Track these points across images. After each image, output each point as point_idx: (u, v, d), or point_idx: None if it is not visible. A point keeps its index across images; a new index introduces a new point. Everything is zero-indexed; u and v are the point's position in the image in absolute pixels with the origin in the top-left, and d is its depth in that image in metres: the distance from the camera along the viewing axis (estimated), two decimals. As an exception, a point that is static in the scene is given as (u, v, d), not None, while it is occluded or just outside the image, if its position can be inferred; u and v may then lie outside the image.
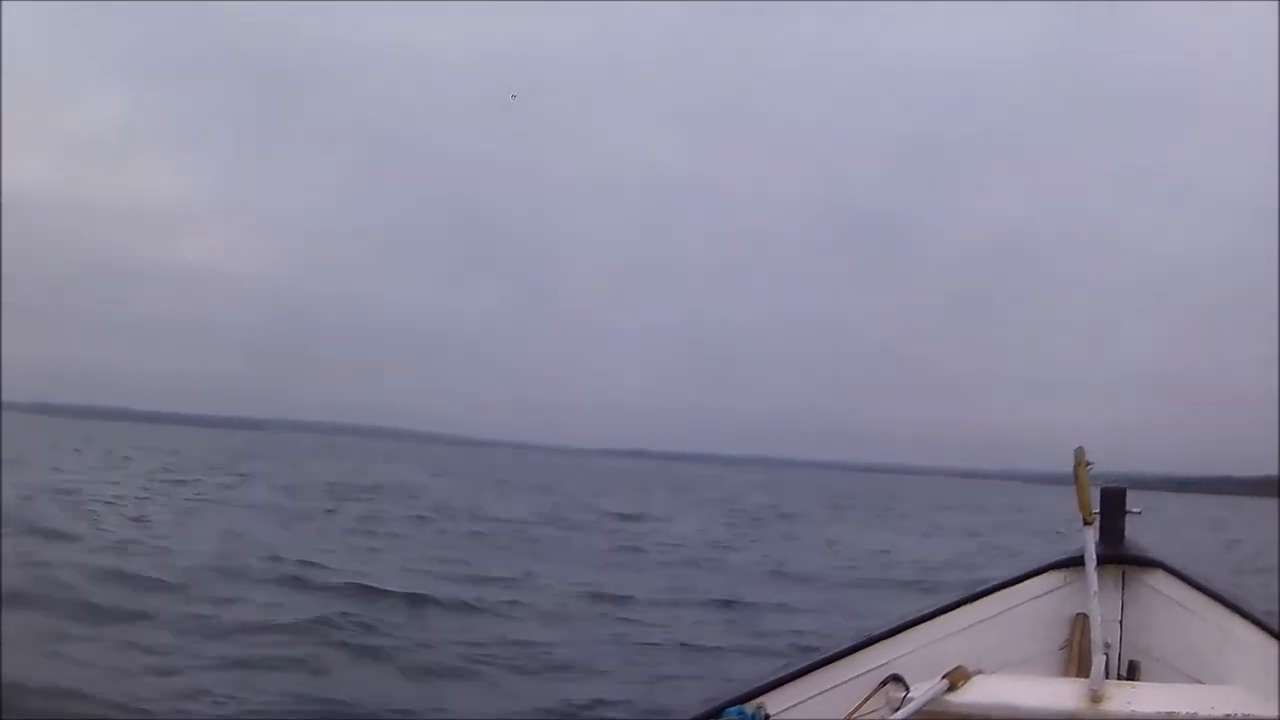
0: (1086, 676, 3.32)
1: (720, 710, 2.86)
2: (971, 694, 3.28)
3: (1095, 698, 3.20)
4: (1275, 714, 3.03)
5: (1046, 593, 3.82)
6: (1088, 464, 3.58)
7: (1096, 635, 3.49)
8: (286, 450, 68.72)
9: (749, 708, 2.87)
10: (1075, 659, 3.65)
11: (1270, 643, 3.29)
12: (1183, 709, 3.09)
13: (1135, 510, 3.91)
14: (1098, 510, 3.72)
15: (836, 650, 3.43)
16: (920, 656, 3.48)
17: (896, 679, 3.35)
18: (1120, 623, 3.76)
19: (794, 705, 3.19)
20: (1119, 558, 3.79)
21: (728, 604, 11.43)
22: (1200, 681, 3.47)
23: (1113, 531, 3.82)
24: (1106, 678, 3.31)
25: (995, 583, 3.86)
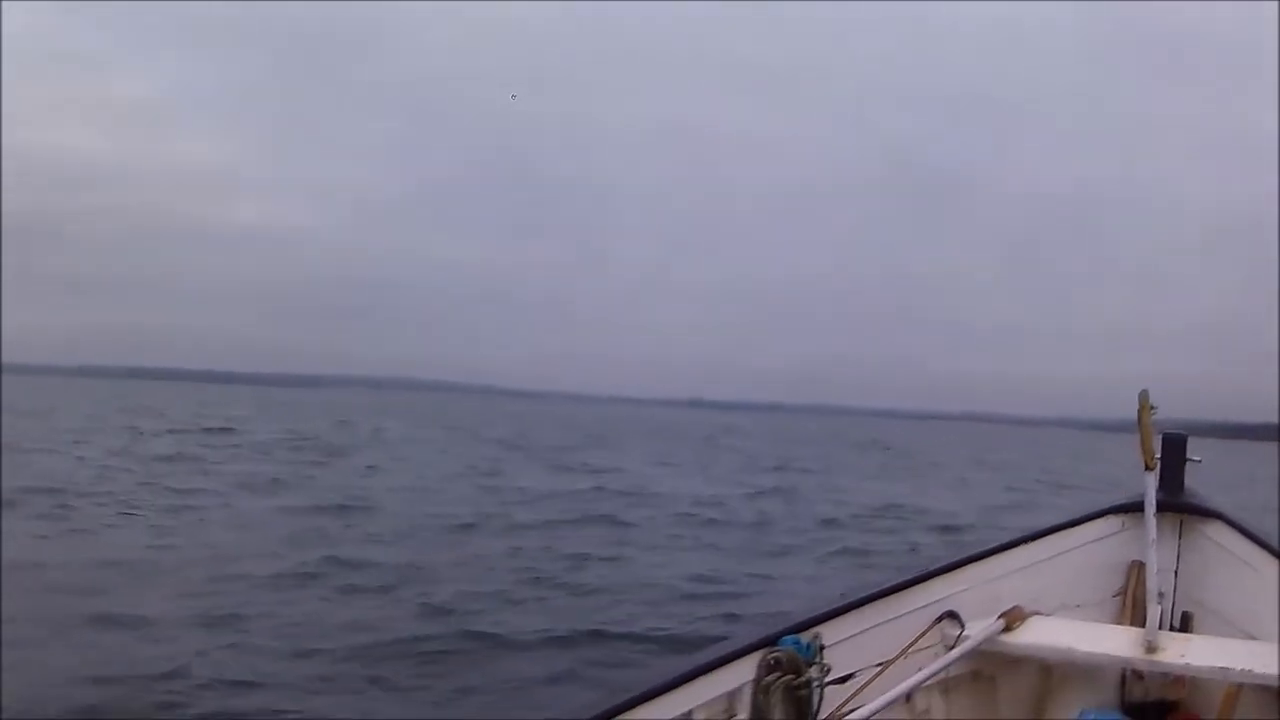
0: (1141, 625, 3.32)
1: (776, 638, 2.76)
2: (1027, 635, 3.28)
3: (1150, 648, 3.19)
4: None
5: (1104, 537, 3.77)
6: (1151, 408, 3.45)
7: (1152, 584, 3.48)
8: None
9: (804, 637, 2.74)
10: (1130, 606, 3.63)
11: None
12: (1237, 665, 3.08)
13: (1196, 459, 3.82)
14: (1159, 456, 3.60)
15: (893, 583, 3.36)
16: (976, 594, 3.44)
17: (952, 615, 3.32)
18: (1176, 572, 3.71)
19: (850, 637, 3.12)
20: (1178, 505, 3.72)
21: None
22: (1254, 637, 3.41)
23: (1173, 479, 3.73)
24: (1160, 628, 3.29)
25: (1054, 524, 3.79)
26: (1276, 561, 3.49)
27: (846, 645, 3.06)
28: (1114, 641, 3.27)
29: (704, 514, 15.86)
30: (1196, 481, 3.84)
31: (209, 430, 32.72)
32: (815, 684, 2.61)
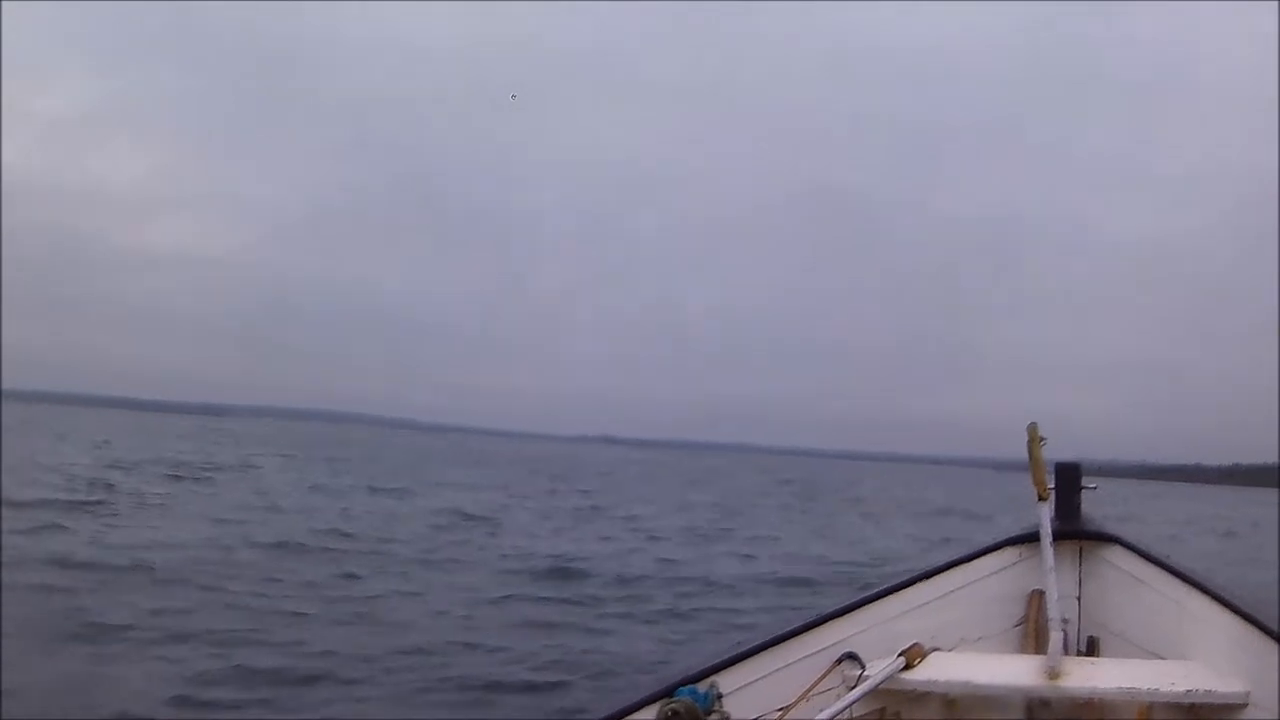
0: (1044, 653, 3.30)
1: (673, 689, 2.77)
2: (928, 671, 3.24)
3: (1053, 674, 3.19)
4: (1235, 688, 3.02)
5: (1003, 569, 3.77)
6: (1041, 439, 3.46)
7: (1054, 611, 3.44)
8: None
9: (701, 686, 2.79)
10: (1033, 635, 3.62)
11: (1228, 616, 3.25)
12: (1143, 685, 3.09)
13: (1091, 485, 3.88)
14: (1053, 486, 3.63)
15: (790, 629, 3.35)
16: (876, 634, 3.42)
17: (852, 657, 3.29)
18: (1078, 599, 3.72)
19: (747, 684, 3.11)
20: (1075, 533, 3.75)
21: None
22: (1160, 657, 3.43)
23: (1068, 507, 3.79)
24: (1065, 654, 3.31)
25: (951, 560, 3.80)
26: (1176, 580, 3.52)
27: (745, 692, 3.06)
28: (1016, 670, 3.26)
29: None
30: (1093, 507, 3.89)
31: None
32: None
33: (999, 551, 3.80)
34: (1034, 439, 3.45)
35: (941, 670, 3.25)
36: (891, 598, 3.59)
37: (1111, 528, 3.85)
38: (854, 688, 3.12)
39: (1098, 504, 3.96)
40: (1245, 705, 3.00)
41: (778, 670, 3.22)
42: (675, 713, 2.60)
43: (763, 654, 3.23)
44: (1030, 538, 3.68)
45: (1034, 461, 3.48)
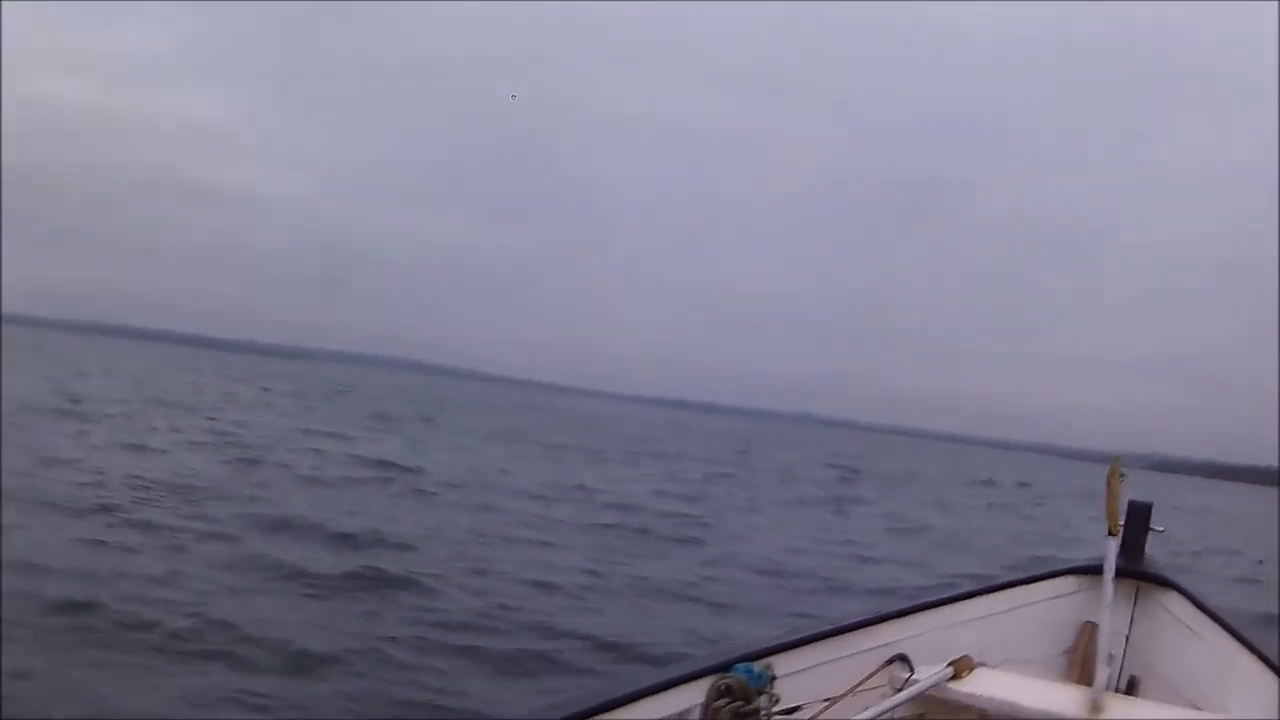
0: (1088, 684, 3.37)
1: (729, 665, 2.82)
2: (974, 685, 3.30)
3: (1095, 707, 3.23)
4: None
5: (1060, 596, 3.83)
6: (1121, 475, 3.49)
7: (1103, 646, 3.51)
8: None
9: (757, 666, 2.82)
10: (1078, 665, 3.68)
11: (1273, 679, 3.28)
12: None
13: (1159, 528, 3.88)
14: (1123, 523, 3.64)
15: (847, 622, 3.42)
16: (928, 640, 3.48)
17: (903, 659, 3.35)
18: (1127, 637, 3.76)
19: (801, 670, 3.16)
20: (1136, 573, 3.78)
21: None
22: (1197, 708, 3.45)
23: (1134, 545, 3.80)
24: (1106, 689, 3.34)
25: (1012, 579, 3.87)
26: (1228, 636, 3.55)
27: (797, 678, 3.10)
28: (1059, 699, 3.30)
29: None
30: (1158, 551, 3.92)
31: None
32: (764, 713, 2.70)
33: (1060, 578, 3.87)
34: (1114, 474, 3.48)
35: (987, 686, 3.30)
36: (948, 607, 3.64)
37: (1172, 574, 3.87)
38: (900, 690, 3.22)
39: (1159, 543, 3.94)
40: None
41: (831, 661, 3.27)
42: (728, 687, 2.64)
43: (819, 644, 3.29)
44: (1092, 569, 3.74)
45: (1110, 497, 3.51)
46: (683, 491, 20.01)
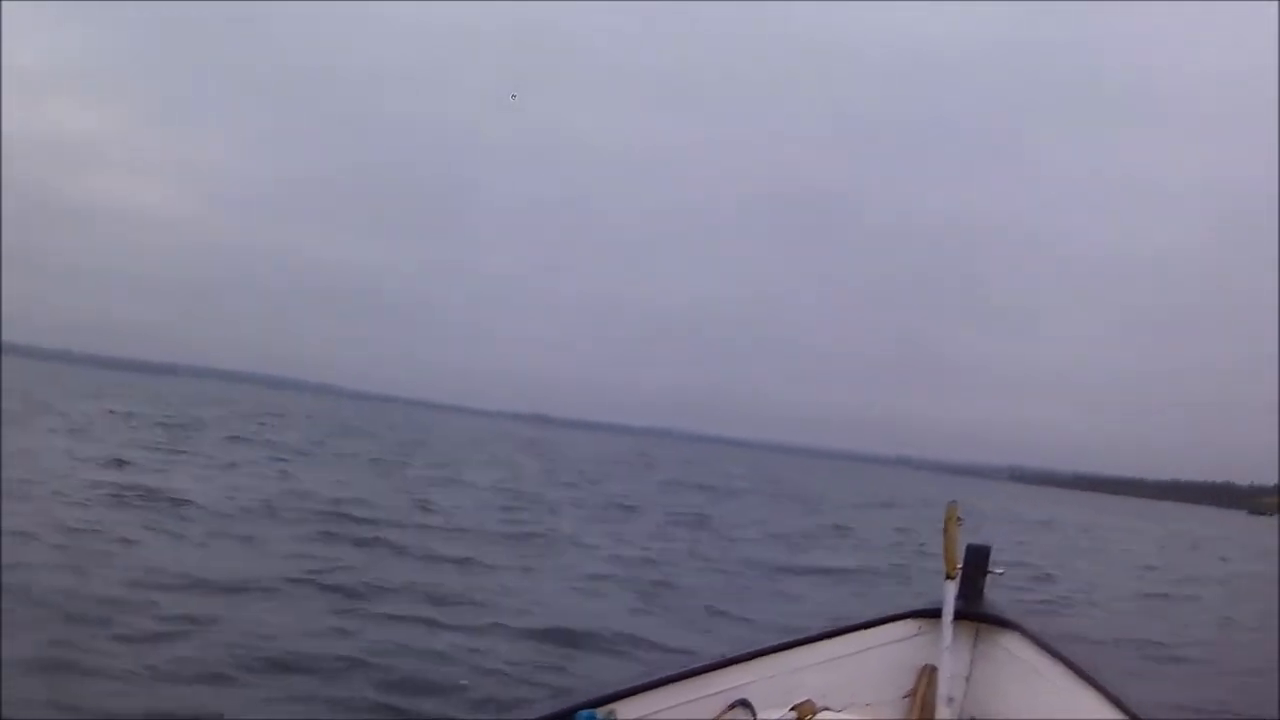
0: None
1: (571, 712, 2.81)
2: None
3: None
4: None
5: (900, 639, 3.85)
6: (959, 519, 3.57)
7: (943, 689, 3.58)
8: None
9: (600, 713, 2.83)
10: (918, 708, 3.71)
11: (1115, 714, 3.32)
12: None
13: (998, 570, 3.90)
14: (960, 566, 3.70)
15: (691, 667, 3.40)
16: (771, 685, 3.48)
17: (745, 704, 3.34)
18: (968, 679, 3.79)
19: (645, 716, 3.14)
20: (975, 615, 3.81)
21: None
22: None
23: (973, 588, 3.82)
24: None
25: (853, 622, 3.88)
26: (1071, 674, 3.56)
27: None
28: None
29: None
30: (996, 593, 3.94)
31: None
32: None
33: (900, 622, 3.87)
34: (951, 518, 3.56)
35: None
36: (791, 652, 3.63)
37: (1012, 614, 3.91)
38: None
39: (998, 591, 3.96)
40: None
41: (674, 706, 3.24)
42: None
43: (662, 689, 3.25)
44: (932, 613, 3.75)
45: (948, 539, 3.59)
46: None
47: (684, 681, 3.32)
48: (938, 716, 3.42)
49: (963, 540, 3.73)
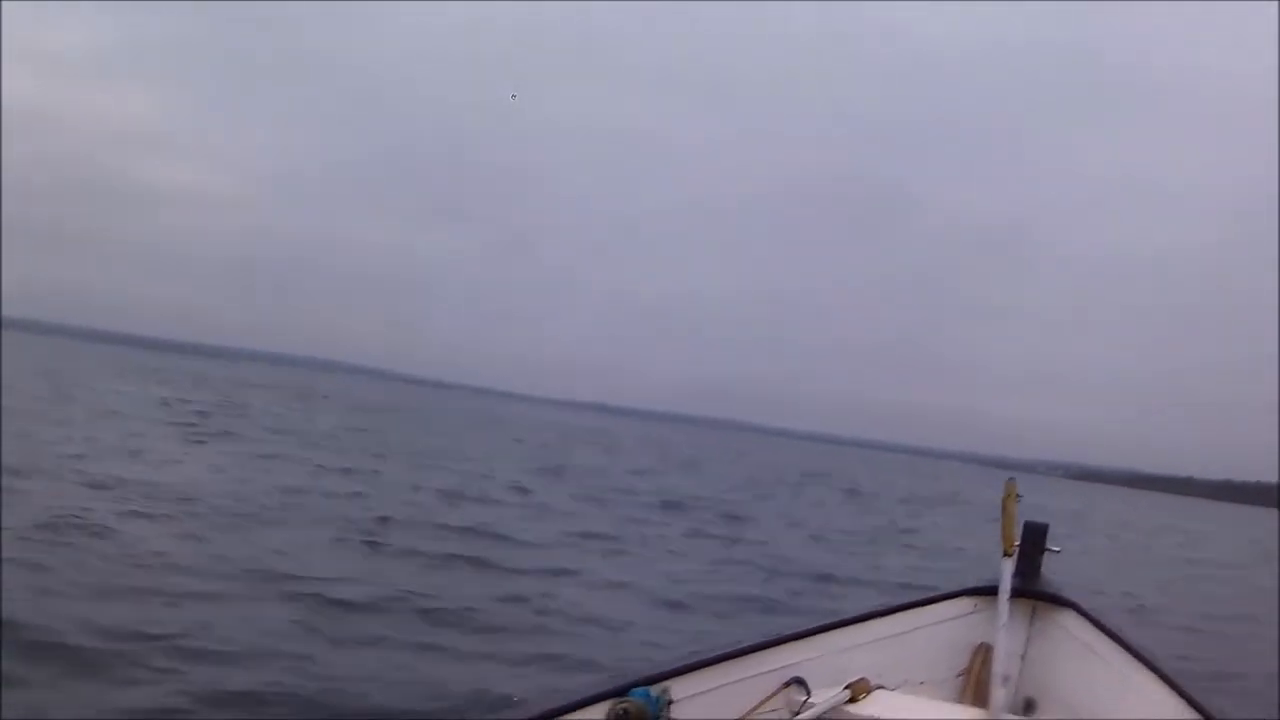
0: (983, 706, 3.41)
1: (626, 689, 2.82)
2: (870, 707, 3.28)
3: None
4: None
5: (956, 617, 3.84)
6: (1018, 496, 3.55)
7: (999, 667, 3.52)
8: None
9: (654, 690, 2.84)
10: (973, 687, 3.68)
11: (1170, 696, 3.29)
12: None
13: (1055, 549, 3.90)
14: (1018, 544, 3.68)
15: (745, 645, 3.38)
16: (825, 663, 3.46)
17: (799, 682, 3.32)
18: (1023, 657, 3.78)
19: (698, 694, 3.13)
20: (1032, 593, 3.81)
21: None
22: None
23: (1030, 566, 3.82)
24: (1003, 711, 3.38)
25: (908, 600, 3.87)
26: (1126, 654, 3.56)
27: (694, 701, 3.10)
28: None
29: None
30: (1053, 570, 3.93)
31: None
32: None
33: (955, 600, 3.87)
34: (1010, 495, 3.54)
35: (883, 709, 3.29)
36: (845, 630, 3.63)
37: (1069, 593, 3.89)
38: (797, 713, 3.20)
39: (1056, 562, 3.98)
40: None
41: (728, 684, 3.24)
42: (626, 712, 2.68)
43: (716, 667, 3.25)
44: (988, 590, 3.75)
45: (1006, 516, 3.56)
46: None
47: (738, 659, 3.31)
48: (992, 694, 3.39)
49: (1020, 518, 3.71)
